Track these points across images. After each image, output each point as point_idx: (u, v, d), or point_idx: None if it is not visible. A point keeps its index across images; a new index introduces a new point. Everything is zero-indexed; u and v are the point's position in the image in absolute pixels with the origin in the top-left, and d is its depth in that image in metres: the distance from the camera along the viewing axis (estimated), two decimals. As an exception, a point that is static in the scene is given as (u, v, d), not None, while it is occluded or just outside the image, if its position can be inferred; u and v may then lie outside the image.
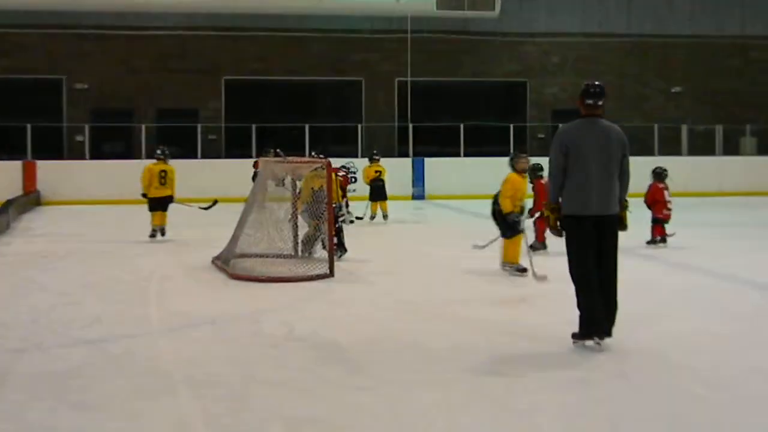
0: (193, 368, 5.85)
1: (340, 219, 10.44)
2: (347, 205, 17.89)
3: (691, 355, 6.18)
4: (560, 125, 6.66)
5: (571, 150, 6.27)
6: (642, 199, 12.30)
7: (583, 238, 6.28)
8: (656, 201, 12.52)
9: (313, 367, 5.87)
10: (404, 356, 6.18)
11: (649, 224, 12.50)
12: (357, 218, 11.92)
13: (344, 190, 18.11)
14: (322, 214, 10.45)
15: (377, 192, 17.55)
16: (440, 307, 8.12)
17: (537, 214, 11.61)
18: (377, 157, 18.07)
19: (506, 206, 9.85)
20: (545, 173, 9.78)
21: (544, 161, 10.18)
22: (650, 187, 12.69)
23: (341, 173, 18.24)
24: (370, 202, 17.57)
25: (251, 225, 10.77)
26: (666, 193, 12.61)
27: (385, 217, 17.36)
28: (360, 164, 18.59)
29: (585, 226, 6.26)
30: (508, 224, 9.85)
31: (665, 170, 12.84)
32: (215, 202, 14.53)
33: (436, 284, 9.45)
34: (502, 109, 28.70)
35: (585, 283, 6.26)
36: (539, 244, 11.69)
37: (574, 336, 6.39)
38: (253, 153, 23.72)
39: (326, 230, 10.25)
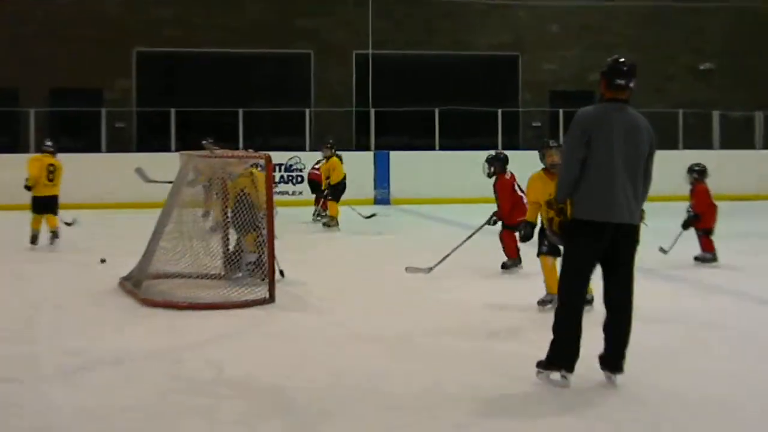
0: (95, 422, 5.79)
1: None
2: (324, 209, 18.00)
3: (730, 403, 6.17)
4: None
5: (594, 139, 6.28)
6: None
7: (593, 251, 6.32)
8: (709, 205, 12.63)
9: (247, 420, 5.83)
10: (363, 405, 6.16)
11: (675, 235, 12.52)
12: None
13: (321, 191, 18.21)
14: (256, 226, 10.44)
15: (343, 191, 17.77)
16: (407, 340, 8.11)
17: (499, 223, 11.64)
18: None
19: (529, 215, 9.52)
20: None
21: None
22: (696, 188, 12.74)
23: (315, 167, 18.26)
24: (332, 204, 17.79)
25: (169, 236, 10.70)
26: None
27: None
28: (307, 158, 18.59)
29: (601, 236, 6.26)
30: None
31: (706, 167, 12.94)
32: (74, 221, 14.46)
33: (402, 312, 9.44)
34: (487, 90, 28.77)
35: (574, 304, 6.38)
36: (510, 261, 11.74)
37: (539, 365, 6.51)
38: (173, 145, 23.61)
39: (246, 246, 10.27)
